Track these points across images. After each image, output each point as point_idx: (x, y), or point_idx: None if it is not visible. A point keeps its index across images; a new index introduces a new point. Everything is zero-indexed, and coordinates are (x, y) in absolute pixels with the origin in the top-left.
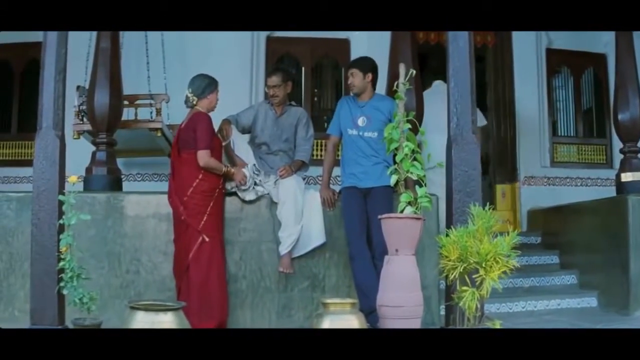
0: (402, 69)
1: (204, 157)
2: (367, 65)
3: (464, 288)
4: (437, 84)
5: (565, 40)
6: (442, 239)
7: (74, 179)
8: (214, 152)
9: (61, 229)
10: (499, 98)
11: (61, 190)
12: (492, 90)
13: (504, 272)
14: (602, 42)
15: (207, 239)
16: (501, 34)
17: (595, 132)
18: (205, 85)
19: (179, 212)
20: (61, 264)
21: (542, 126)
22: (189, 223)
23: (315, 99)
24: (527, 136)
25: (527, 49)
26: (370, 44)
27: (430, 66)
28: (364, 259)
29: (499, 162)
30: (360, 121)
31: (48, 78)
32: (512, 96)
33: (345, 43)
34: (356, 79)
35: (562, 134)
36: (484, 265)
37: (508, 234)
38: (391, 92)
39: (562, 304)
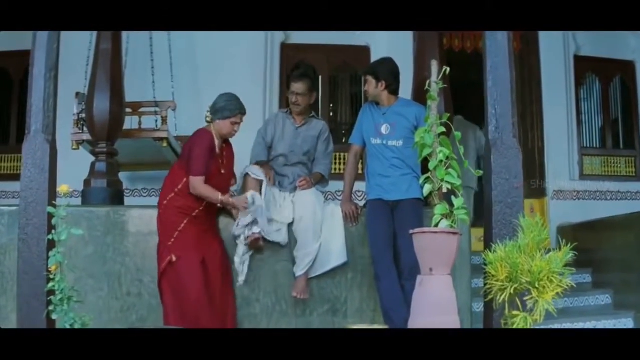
0: (434, 66)
1: (195, 185)
2: (382, 72)
3: (515, 312)
4: None
5: (593, 46)
6: (489, 255)
7: (65, 189)
8: (211, 178)
9: (52, 245)
10: (526, 107)
11: (51, 202)
12: (519, 99)
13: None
14: (630, 48)
15: (174, 259)
16: (527, 39)
17: (622, 143)
18: (219, 107)
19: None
20: (50, 284)
21: (570, 137)
22: (160, 236)
23: (332, 114)
24: (555, 148)
25: (554, 55)
26: (390, 51)
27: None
28: (391, 279)
29: (526, 175)
30: (384, 129)
31: (38, 76)
32: (540, 105)
33: (365, 50)
34: (369, 87)
35: (589, 145)
36: (537, 286)
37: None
38: (419, 98)
39: (598, 326)
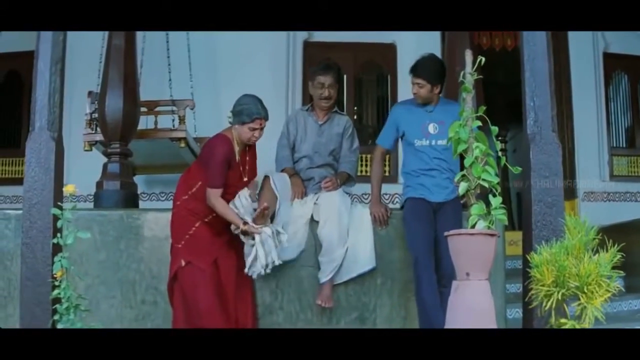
0: (468, 56)
1: (210, 197)
2: (437, 75)
3: (563, 320)
4: None
5: (622, 44)
6: (535, 257)
7: (71, 189)
8: (230, 186)
9: (57, 249)
10: (556, 106)
11: (57, 204)
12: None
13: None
14: None
15: (183, 264)
16: (557, 36)
17: None
18: (237, 111)
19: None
20: (55, 292)
21: (600, 137)
22: (171, 237)
23: (356, 117)
24: (585, 148)
25: (584, 53)
26: (418, 48)
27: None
28: (432, 283)
29: None
30: (432, 128)
31: (43, 69)
32: (570, 104)
33: (391, 48)
34: (423, 90)
35: (618, 145)
36: (585, 290)
37: None
38: (449, 95)
39: None
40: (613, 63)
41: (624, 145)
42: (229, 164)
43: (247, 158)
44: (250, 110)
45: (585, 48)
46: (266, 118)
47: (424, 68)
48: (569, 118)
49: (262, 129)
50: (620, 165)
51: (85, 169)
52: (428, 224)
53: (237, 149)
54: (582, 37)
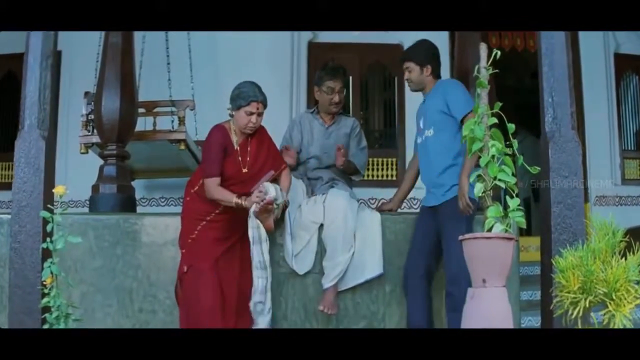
0: (483, 50)
1: (207, 188)
2: (425, 54)
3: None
4: None
5: (634, 44)
6: (560, 262)
7: (61, 190)
8: (230, 178)
9: (48, 255)
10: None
11: (47, 206)
12: None
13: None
14: None
15: (185, 269)
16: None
17: None
18: (233, 96)
19: None
20: (44, 300)
21: (612, 139)
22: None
23: (362, 121)
24: (596, 151)
25: (594, 53)
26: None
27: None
28: (419, 296)
29: None
30: (422, 123)
31: (32, 64)
32: (581, 106)
33: (398, 49)
34: (413, 73)
35: (627, 148)
36: (613, 297)
37: None
38: None
39: None
40: (624, 64)
41: (633, 148)
42: (225, 151)
43: (249, 149)
44: (246, 93)
45: (596, 48)
46: (264, 104)
47: (411, 50)
48: (580, 120)
49: (259, 114)
50: (630, 168)
51: (85, 173)
52: (424, 234)
53: (235, 138)
54: (593, 37)
